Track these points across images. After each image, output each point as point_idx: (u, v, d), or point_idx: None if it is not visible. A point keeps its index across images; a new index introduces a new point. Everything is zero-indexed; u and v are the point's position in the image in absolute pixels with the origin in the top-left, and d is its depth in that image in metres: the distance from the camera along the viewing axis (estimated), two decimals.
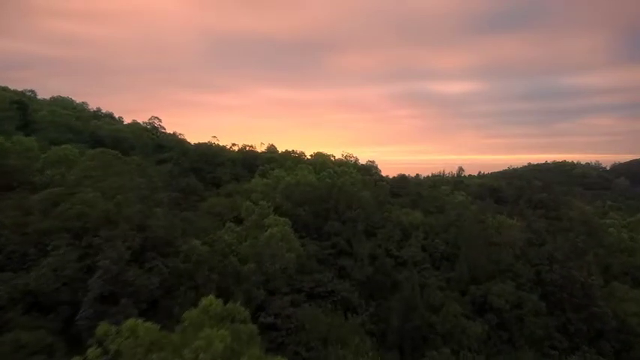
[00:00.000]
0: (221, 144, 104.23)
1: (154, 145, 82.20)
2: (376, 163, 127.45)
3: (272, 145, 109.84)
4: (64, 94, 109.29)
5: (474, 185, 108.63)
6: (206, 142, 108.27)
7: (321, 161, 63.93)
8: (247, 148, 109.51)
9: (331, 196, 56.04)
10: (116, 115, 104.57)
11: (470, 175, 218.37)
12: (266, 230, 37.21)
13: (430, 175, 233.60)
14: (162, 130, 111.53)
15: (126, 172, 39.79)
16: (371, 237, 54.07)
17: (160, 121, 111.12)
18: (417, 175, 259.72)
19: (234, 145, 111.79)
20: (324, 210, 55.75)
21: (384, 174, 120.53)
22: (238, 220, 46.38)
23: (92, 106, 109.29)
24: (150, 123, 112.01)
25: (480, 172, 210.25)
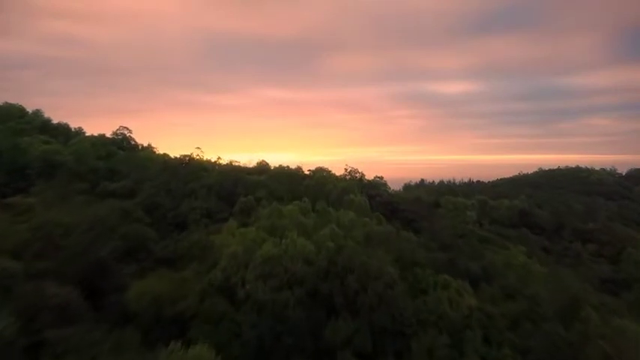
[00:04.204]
0: (206, 156, 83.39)
1: (105, 169, 60.35)
2: (384, 179, 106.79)
3: (262, 161, 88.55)
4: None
5: (503, 208, 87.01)
6: (189, 154, 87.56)
7: (320, 211, 42.05)
8: (233, 164, 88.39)
9: (336, 269, 34.56)
10: (74, 126, 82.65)
11: (479, 182, 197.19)
12: None
13: (438, 181, 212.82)
14: (133, 143, 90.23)
15: None
16: (398, 336, 32.72)
17: (130, 131, 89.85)
18: (422, 180, 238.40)
19: (219, 159, 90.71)
20: (326, 290, 34.30)
21: (384, 175, 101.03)
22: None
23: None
24: (120, 133, 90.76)
25: (494, 179, 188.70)
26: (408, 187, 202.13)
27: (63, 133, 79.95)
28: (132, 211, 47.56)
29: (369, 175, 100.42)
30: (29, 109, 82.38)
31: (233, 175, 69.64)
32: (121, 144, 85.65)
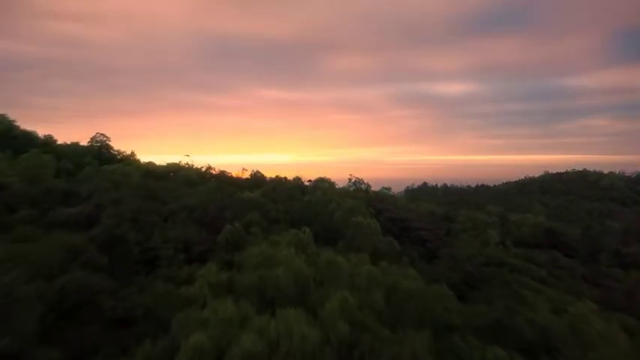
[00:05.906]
0: (197, 162, 72.60)
1: (61, 191, 48.71)
2: (385, 180, 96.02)
3: (257, 172, 77.11)
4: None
5: (526, 225, 75.78)
6: (177, 162, 76.65)
7: (326, 264, 30.40)
8: (225, 174, 77.20)
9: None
10: (42, 134, 70.81)
11: (484, 186, 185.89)
12: None
13: (441, 184, 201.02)
14: (112, 152, 78.74)
15: None
16: None
17: (108, 139, 78.34)
18: (425, 183, 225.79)
19: (209, 169, 79.58)
20: None
21: (384, 176, 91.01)
22: None
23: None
24: (98, 141, 79.21)
25: (499, 183, 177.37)
26: (410, 191, 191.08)
27: (30, 143, 68.22)
28: (82, 250, 36.08)
29: (370, 177, 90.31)
30: None
31: (221, 192, 58.18)
32: (98, 154, 74.27)
